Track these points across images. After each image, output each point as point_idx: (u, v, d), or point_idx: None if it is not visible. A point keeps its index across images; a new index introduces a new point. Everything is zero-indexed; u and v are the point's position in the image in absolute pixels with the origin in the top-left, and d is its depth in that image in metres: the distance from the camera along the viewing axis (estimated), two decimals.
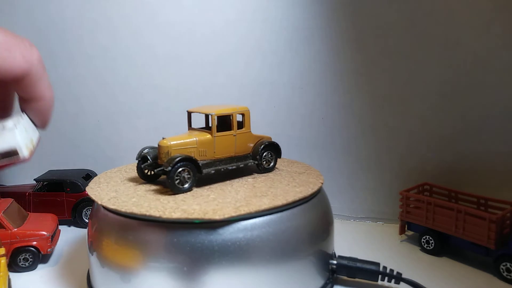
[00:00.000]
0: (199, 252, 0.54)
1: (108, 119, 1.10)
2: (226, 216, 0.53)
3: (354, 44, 0.93)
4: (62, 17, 1.07)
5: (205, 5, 0.99)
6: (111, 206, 0.57)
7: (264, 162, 0.73)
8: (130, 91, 1.08)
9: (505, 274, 0.69)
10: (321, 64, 0.95)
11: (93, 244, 0.61)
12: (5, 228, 0.73)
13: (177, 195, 0.61)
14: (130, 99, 1.08)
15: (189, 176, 0.63)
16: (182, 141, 0.65)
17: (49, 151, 1.15)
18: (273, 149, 0.74)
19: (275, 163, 0.75)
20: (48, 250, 0.76)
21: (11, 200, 0.80)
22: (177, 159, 0.61)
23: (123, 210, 0.56)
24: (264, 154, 0.73)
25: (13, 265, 0.73)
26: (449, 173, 0.90)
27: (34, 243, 0.74)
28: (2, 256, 0.64)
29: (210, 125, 0.73)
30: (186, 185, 0.62)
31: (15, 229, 0.74)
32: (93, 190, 0.64)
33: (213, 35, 1.00)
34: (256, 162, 0.72)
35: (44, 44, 1.10)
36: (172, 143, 0.64)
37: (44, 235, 0.75)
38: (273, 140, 0.75)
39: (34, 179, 0.97)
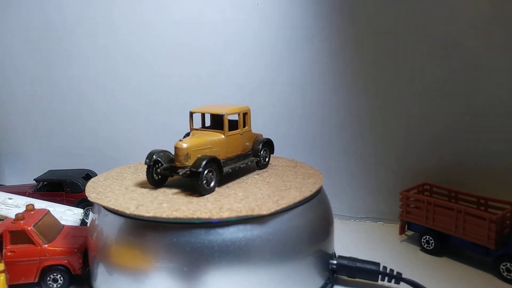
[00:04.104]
0: (199, 252, 0.54)
1: (108, 119, 1.10)
2: (272, 210, 0.55)
3: (354, 44, 0.93)
4: (61, 16, 1.08)
5: (205, 5, 0.99)
6: (146, 214, 0.55)
7: (262, 159, 0.75)
8: (130, 91, 1.08)
9: (505, 274, 0.69)
10: (321, 64, 0.95)
11: (99, 249, 0.61)
12: (34, 244, 0.66)
13: (205, 196, 0.61)
14: (130, 99, 1.08)
15: (212, 176, 0.63)
16: (198, 142, 0.65)
17: (49, 151, 1.15)
18: (268, 146, 0.77)
19: (269, 159, 0.78)
20: (79, 270, 0.68)
21: (46, 210, 0.73)
22: (206, 160, 0.61)
23: (164, 216, 0.54)
24: (262, 151, 0.75)
25: (43, 285, 0.67)
26: (449, 173, 0.90)
27: (65, 261, 0.67)
28: (2, 272, 0.60)
29: (207, 125, 0.74)
30: (212, 185, 0.63)
31: (45, 245, 0.67)
32: (103, 200, 0.60)
33: (212, 35, 1.00)
34: (257, 159, 0.74)
35: (44, 44, 1.10)
36: (190, 145, 0.64)
37: (75, 252, 0.67)
38: (272, 139, 0.78)
39: (34, 179, 0.96)
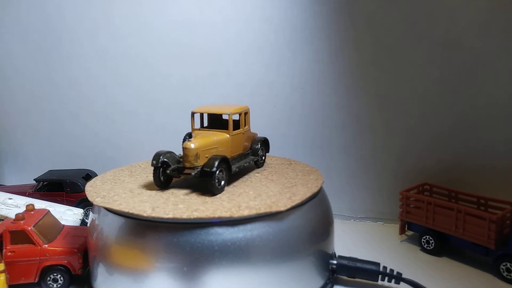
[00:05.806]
0: (199, 252, 0.54)
1: (108, 119, 1.10)
2: (288, 206, 0.56)
3: (353, 44, 0.93)
4: (61, 16, 1.08)
5: (205, 5, 0.99)
6: (165, 216, 0.54)
7: (260, 158, 0.76)
8: (130, 91, 1.08)
9: (505, 274, 0.69)
10: (321, 64, 0.95)
11: (99, 249, 0.61)
12: (34, 244, 0.66)
13: (218, 196, 0.61)
14: (130, 99, 1.08)
15: (223, 175, 0.63)
16: (206, 142, 0.65)
17: (49, 151, 1.15)
18: (265, 145, 0.78)
19: (265, 158, 0.79)
20: (79, 270, 0.68)
21: (46, 211, 0.73)
22: (218, 160, 0.61)
23: (184, 216, 0.54)
24: (260, 150, 0.76)
25: (43, 285, 0.67)
26: (449, 173, 0.90)
27: (65, 261, 0.67)
28: (2, 272, 0.60)
29: (205, 125, 0.74)
30: (222, 185, 0.63)
31: (46, 245, 0.67)
32: (111, 204, 0.59)
33: (212, 35, 1.00)
34: (256, 158, 0.75)
35: (44, 44, 1.10)
36: (199, 145, 0.63)
37: (75, 252, 0.67)
38: (272, 139, 0.79)
39: (34, 179, 0.96)
